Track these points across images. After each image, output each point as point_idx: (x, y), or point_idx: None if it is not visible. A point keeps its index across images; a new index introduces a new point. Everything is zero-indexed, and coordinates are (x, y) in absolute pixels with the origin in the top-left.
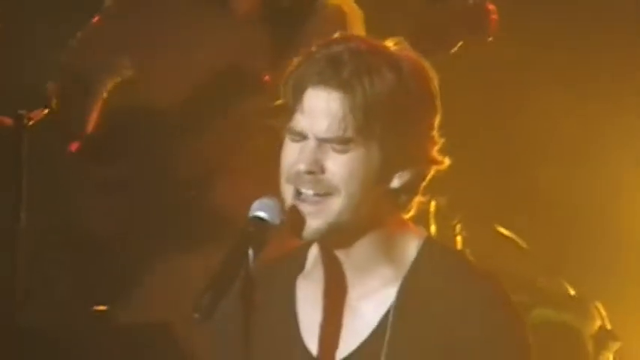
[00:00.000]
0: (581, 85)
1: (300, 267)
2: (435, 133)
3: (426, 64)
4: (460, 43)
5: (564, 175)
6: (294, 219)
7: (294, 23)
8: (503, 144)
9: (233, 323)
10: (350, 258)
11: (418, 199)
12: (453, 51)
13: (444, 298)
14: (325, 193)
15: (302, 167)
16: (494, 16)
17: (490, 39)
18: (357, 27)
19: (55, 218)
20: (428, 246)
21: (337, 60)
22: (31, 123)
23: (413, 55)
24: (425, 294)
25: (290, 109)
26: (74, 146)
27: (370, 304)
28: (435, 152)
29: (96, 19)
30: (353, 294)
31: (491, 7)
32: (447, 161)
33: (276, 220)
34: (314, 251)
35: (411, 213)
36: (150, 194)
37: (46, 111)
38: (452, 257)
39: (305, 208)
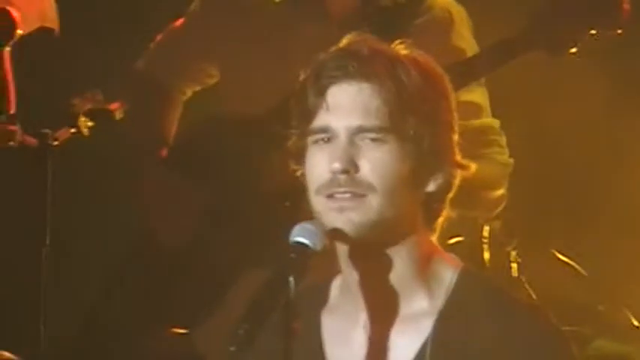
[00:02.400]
0: None
1: (324, 301)
2: (455, 135)
3: (437, 65)
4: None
5: (628, 198)
6: (336, 237)
7: (396, 25)
8: (563, 165)
9: (272, 356)
10: (386, 281)
11: (446, 212)
12: (574, 50)
13: (484, 333)
14: (361, 194)
15: (337, 166)
16: (627, 5)
17: (620, 32)
18: (464, 33)
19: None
20: (465, 277)
21: (358, 55)
22: (56, 143)
23: (426, 57)
24: (463, 329)
25: (311, 111)
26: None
27: (406, 336)
28: (459, 157)
29: (179, 22)
30: (389, 327)
31: None
32: (473, 167)
33: (318, 246)
34: (337, 283)
35: (437, 233)
36: (237, 205)
37: (72, 130)
38: (491, 290)
39: (344, 203)
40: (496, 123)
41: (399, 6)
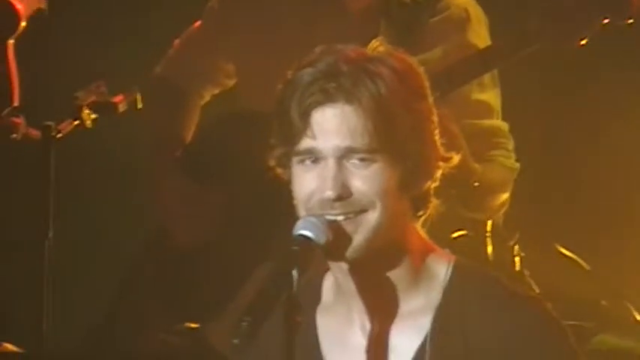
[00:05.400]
0: None
1: (317, 300)
2: (437, 130)
3: (413, 61)
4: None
5: (632, 192)
6: (339, 237)
7: (414, 22)
8: (565, 158)
9: (275, 349)
10: (384, 282)
11: (434, 202)
12: (584, 42)
13: (483, 325)
14: (355, 215)
15: (330, 194)
16: None
17: (631, 21)
18: (481, 32)
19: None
20: (459, 270)
21: (336, 72)
22: (59, 135)
23: (398, 54)
24: (462, 322)
25: (294, 135)
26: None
27: (405, 335)
28: (442, 150)
29: (197, 23)
30: (387, 326)
31: None
32: (456, 158)
33: (322, 239)
34: (329, 283)
35: (422, 219)
36: (253, 204)
37: (76, 122)
38: (487, 281)
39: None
40: (505, 126)
41: (417, 3)
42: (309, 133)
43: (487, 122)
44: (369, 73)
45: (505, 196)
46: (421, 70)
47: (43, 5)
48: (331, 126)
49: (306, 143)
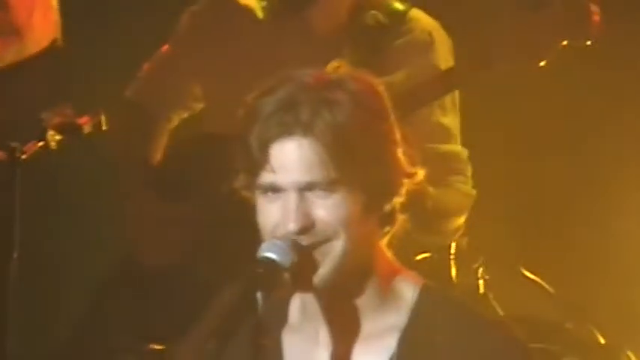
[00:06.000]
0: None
1: (284, 320)
2: (400, 148)
3: (374, 81)
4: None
5: (596, 215)
6: (305, 263)
7: (378, 44)
8: (529, 181)
9: None
10: (348, 306)
11: (400, 217)
12: (544, 61)
13: (448, 348)
14: (323, 241)
15: (293, 227)
16: (597, 17)
17: (589, 42)
18: (445, 55)
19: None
20: (426, 293)
21: (293, 103)
22: (24, 156)
23: (358, 75)
24: (428, 344)
25: (255, 166)
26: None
27: (369, 356)
28: (407, 167)
29: (165, 47)
30: (351, 347)
31: (593, 7)
32: (421, 173)
33: (287, 262)
34: (296, 303)
35: (387, 237)
36: (219, 225)
37: (40, 144)
38: (454, 305)
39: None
40: (464, 152)
41: (381, 26)
42: (268, 167)
43: (446, 147)
44: (327, 102)
45: (460, 220)
46: (381, 89)
47: (59, 36)
48: (290, 161)
49: (266, 177)
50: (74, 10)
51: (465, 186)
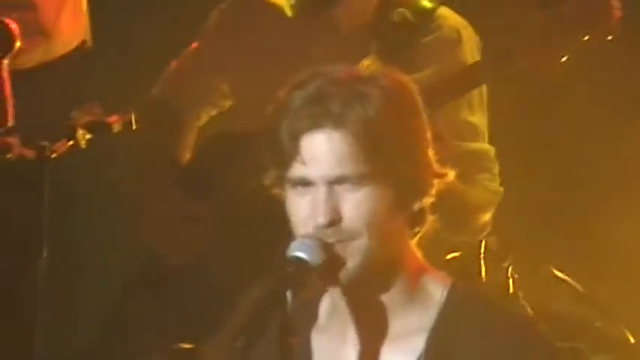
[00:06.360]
0: None
1: (314, 319)
2: (431, 147)
3: (406, 78)
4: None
5: (626, 212)
6: (333, 260)
7: (406, 41)
8: (562, 182)
9: None
10: (376, 304)
11: (430, 218)
12: (565, 58)
13: (476, 347)
14: (349, 238)
15: (322, 221)
16: (617, 12)
17: (610, 38)
18: (473, 53)
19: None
20: (455, 292)
21: (324, 96)
22: (54, 155)
23: (390, 72)
24: (456, 344)
25: (285, 160)
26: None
27: (399, 354)
28: (437, 167)
29: (193, 45)
30: (379, 346)
31: (614, 2)
32: (451, 174)
33: (316, 261)
34: (326, 303)
35: (418, 237)
36: (247, 224)
37: (70, 143)
38: (483, 304)
39: None
40: (491, 150)
41: (408, 23)
42: (299, 158)
43: (474, 145)
44: (358, 96)
45: (486, 217)
46: (413, 87)
47: (88, 37)
48: (320, 153)
49: (297, 170)
50: (103, 9)
51: (492, 183)
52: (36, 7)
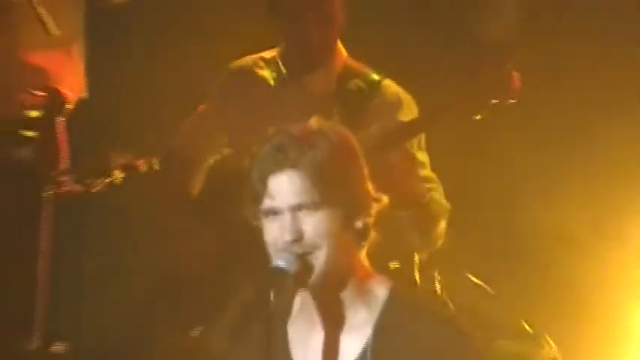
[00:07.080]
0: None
1: (289, 313)
2: (369, 181)
3: (345, 131)
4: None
5: (529, 233)
6: (304, 268)
7: (360, 103)
8: (477, 203)
9: (255, 352)
10: (335, 300)
11: (373, 234)
12: (479, 117)
13: (411, 335)
14: (312, 250)
15: (288, 237)
16: (518, 82)
17: (513, 101)
18: (411, 110)
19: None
20: (395, 293)
21: (284, 147)
22: (94, 191)
23: (334, 126)
24: (395, 332)
25: (257, 196)
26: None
27: (352, 340)
28: (375, 194)
29: (201, 107)
30: (339, 333)
31: (515, 73)
32: (385, 199)
33: (293, 269)
34: (298, 300)
35: (366, 248)
36: (241, 244)
37: (108, 180)
38: (416, 302)
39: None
40: (436, 177)
41: (362, 91)
42: (268, 194)
43: (424, 172)
44: (309, 146)
45: (443, 225)
46: (351, 136)
47: (85, 94)
48: (283, 189)
49: (267, 203)
50: (123, 68)
51: (442, 199)
52: (41, 70)
